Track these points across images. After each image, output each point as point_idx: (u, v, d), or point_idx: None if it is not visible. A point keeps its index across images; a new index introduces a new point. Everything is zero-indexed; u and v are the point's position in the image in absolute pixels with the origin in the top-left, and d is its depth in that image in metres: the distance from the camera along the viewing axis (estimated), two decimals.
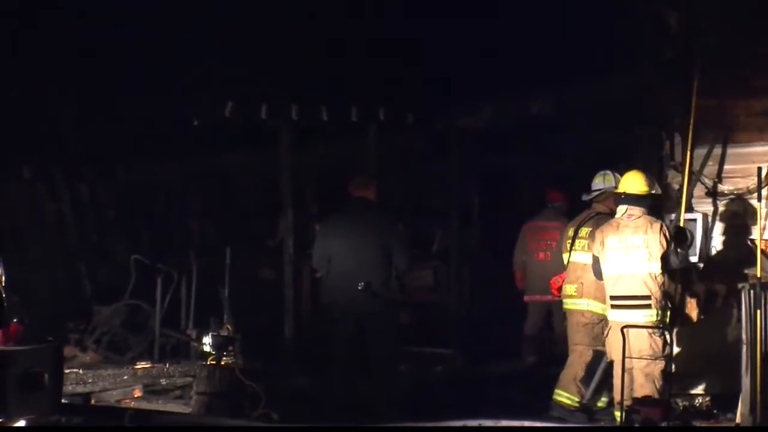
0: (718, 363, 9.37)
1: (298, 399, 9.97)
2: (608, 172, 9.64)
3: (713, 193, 9.99)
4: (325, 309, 9.80)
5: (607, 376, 9.30)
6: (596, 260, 9.07)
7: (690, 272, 9.38)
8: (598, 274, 9.09)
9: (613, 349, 8.85)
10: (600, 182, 9.70)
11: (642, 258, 8.78)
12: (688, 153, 9.88)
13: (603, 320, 9.23)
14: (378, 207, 9.73)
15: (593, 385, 9.43)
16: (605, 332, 9.04)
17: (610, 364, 9.06)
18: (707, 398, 9.65)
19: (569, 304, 9.62)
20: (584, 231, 9.60)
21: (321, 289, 9.78)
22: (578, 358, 9.47)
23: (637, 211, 8.90)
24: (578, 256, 9.58)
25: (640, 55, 10.64)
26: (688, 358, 9.45)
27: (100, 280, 13.58)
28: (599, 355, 9.36)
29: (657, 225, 8.85)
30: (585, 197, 9.79)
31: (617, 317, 8.85)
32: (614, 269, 8.91)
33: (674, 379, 8.79)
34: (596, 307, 9.38)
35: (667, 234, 8.79)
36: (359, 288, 9.31)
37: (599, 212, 9.64)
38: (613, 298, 8.91)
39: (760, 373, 8.40)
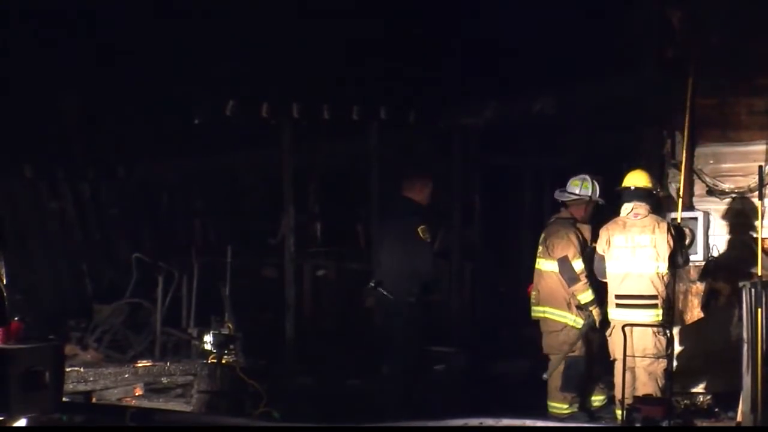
0: (719, 361, 9.36)
1: (299, 397, 9.96)
2: (587, 178, 9.42)
3: (714, 192, 10.00)
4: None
5: (589, 377, 9.32)
6: (600, 258, 9.05)
7: (691, 271, 9.38)
8: (601, 272, 9.07)
9: (616, 347, 8.84)
10: (577, 187, 9.44)
11: (649, 257, 8.78)
12: (684, 150, 9.87)
13: (565, 327, 9.22)
14: (417, 208, 9.67)
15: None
16: (608, 331, 9.03)
17: (580, 366, 9.13)
18: (708, 397, 9.64)
19: (533, 311, 9.54)
20: (541, 237, 9.52)
21: None
22: (553, 367, 9.40)
23: (643, 210, 8.88)
24: (538, 262, 9.51)
25: (643, 54, 10.63)
26: (690, 356, 9.45)
27: (102, 278, 13.60)
28: (574, 362, 9.26)
29: (664, 224, 8.85)
30: (558, 196, 9.54)
31: (622, 316, 8.83)
32: (620, 268, 8.90)
33: (675, 377, 8.78)
34: (552, 314, 9.34)
35: (674, 233, 8.80)
36: (371, 285, 9.41)
37: (559, 217, 9.50)
38: (618, 297, 8.90)
39: (761, 371, 8.39)
